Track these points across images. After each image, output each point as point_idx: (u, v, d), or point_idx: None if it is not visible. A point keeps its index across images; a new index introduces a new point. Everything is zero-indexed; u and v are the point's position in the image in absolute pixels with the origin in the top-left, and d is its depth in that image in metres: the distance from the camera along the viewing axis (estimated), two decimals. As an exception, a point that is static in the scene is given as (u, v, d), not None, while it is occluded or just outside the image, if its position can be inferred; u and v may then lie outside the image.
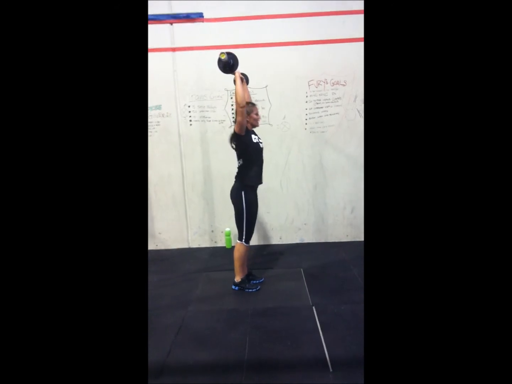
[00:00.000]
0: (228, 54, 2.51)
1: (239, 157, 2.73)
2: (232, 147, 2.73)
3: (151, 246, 3.99)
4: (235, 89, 2.50)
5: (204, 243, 4.03)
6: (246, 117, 2.64)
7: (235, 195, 2.74)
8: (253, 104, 2.76)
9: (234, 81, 2.61)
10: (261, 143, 2.75)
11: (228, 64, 2.52)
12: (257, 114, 2.73)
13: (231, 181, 2.81)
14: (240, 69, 2.66)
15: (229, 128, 3.64)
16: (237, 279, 2.90)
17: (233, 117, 2.62)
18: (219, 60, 2.53)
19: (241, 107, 2.49)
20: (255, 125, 2.76)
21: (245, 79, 2.71)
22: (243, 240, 2.77)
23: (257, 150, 2.72)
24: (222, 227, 3.95)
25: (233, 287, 2.91)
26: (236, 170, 2.77)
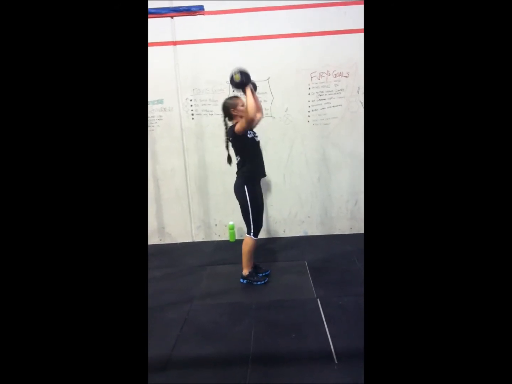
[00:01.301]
0: (241, 73, 2.49)
1: (236, 154, 2.73)
2: (229, 140, 2.72)
3: (155, 240, 4.00)
4: (247, 103, 2.46)
5: (208, 237, 4.04)
6: (234, 111, 2.66)
7: (238, 190, 2.74)
8: (236, 97, 2.73)
9: (232, 80, 2.55)
10: (256, 137, 2.73)
11: (242, 83, 2.51)
12: (242, 105, 2.68)
13: (234, 174, 2.80)
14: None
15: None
16: (245, 272, 2.90)
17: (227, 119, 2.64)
18: (232, 80, 2.52)
19: (251, 119, 2.47)
20: (254, 127, 2.74)
21: (253, 88, 2.66)
22: (252, 234, 2.77)
23: (253, 145, 2.70)
24: (226, 221, 3.95)
25: (241, 280, 2.91)
26: (236, 166, 2.77)
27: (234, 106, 2.67)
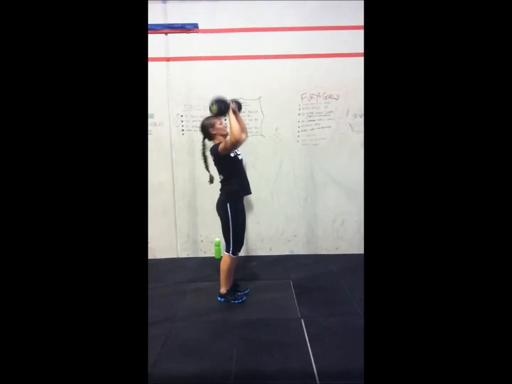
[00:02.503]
0: (217, 102, 2.54)
1: (219, 172, 2.74)
2: (213, 159, 2.73)
3: (139, 255, 3.94)
4: (231, 125, 2.50)
5: (193, 253, 4.00)
6: (212, 131, 2.68)
7: (220, 208, 2.74)
8: (213, 116, 2.71)
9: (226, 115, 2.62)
10: (238, 155, 2.75)
11: (221, 111, 2.56)
12: (220, 123, 2.72)
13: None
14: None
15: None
16: (223, 290, 2.88)
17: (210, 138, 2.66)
18: (211, 112, 2.59)
19: (236, 141, 2.50)
20: (225, 134, 2.74)
21: (237, 107, 2.70)
22: (231, 252, 2.75)
23: (236, 163, 2.72)
24: (212, 237, 3.93)
25: (219, 298, 2.89)
26: (220, 184, 2.78)
27: (212, 126, 2.69)
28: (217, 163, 2.71)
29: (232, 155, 2.67)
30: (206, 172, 2.77)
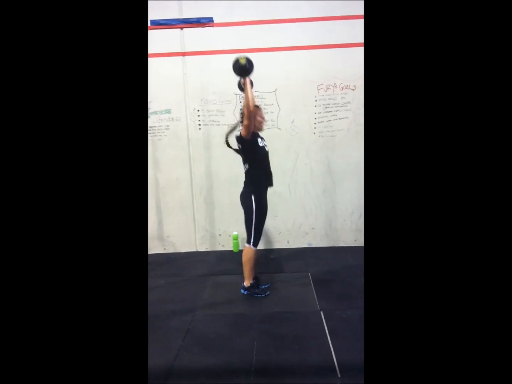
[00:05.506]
0: (247, 58, 2.52)
1: (245, 162, 2.72)
2: (238, 149, 2.73)
3: (159, 249, 4.00)
4: (246, 94, 2.47)
5: (212, 246, 4.04)
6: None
7: (245, 199, 2.72)
8: (257, 107, 2.72)
9: (240, 85, 2.63)
10: (266, 146, 2.75)
11: (245, 68, 2.52)
12: (261, 116, 2.72)
13: (239, 185, 2.80)
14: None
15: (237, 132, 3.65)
16: (247, 283, 2.86)
17: (241, 121, 2.61)
18: (237, 62, 2.51)
19: (251, 112, 2.47)
20: (260, 129, 2.74)
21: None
22: (251, 243, 2.74)
23: (263, 154, 2.71)
24: (230, 231, 3.95)
25: (242, 291, 2.88)
26: (244, 175, 2.76)
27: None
28: (242, 152, 2.69)
29: (261, 145, 2.67)
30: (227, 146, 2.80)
